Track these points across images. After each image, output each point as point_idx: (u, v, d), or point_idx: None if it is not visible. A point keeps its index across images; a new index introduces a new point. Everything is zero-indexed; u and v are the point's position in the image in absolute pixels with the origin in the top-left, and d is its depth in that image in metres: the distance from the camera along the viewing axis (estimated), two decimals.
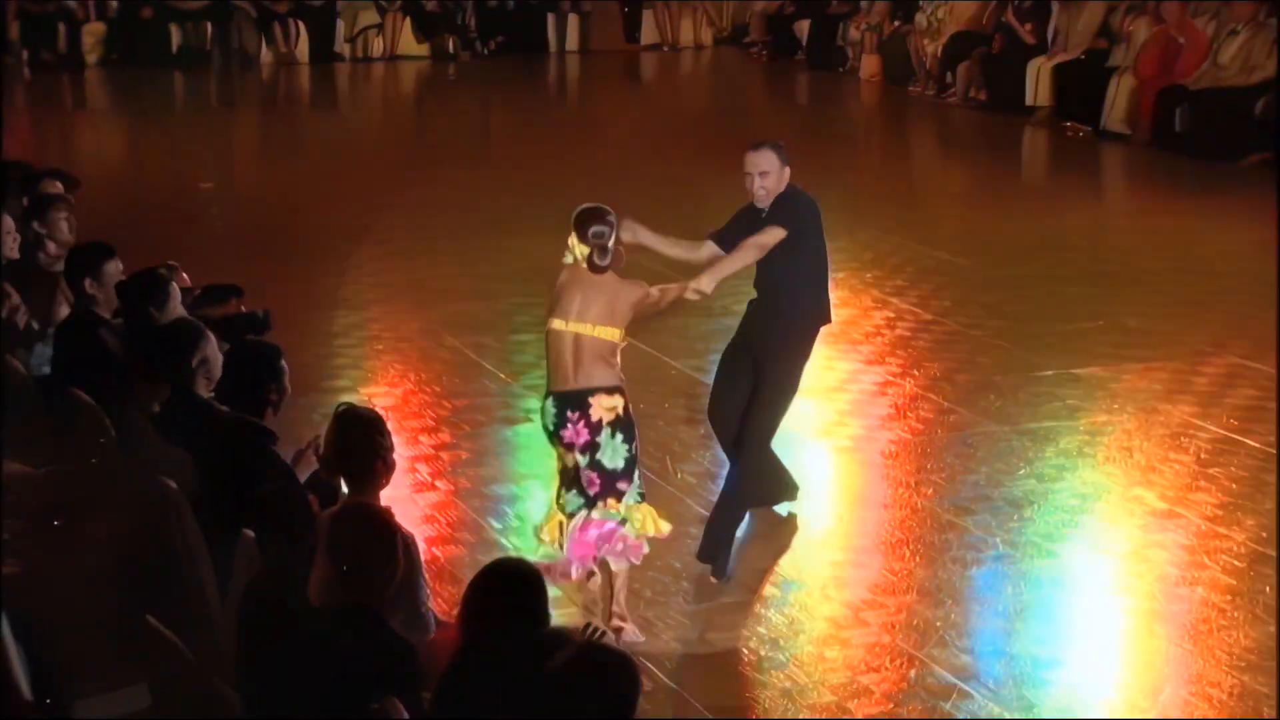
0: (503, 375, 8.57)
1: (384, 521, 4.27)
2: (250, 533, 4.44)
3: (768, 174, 6.17)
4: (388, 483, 4.68)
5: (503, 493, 7.06)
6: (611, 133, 16.31)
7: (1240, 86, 13.53)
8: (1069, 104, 15.01)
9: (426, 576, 4.80)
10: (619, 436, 5.58)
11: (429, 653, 4.19)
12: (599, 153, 14.62)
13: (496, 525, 6.70)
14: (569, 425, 5.59)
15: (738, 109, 18.20)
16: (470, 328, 9.29)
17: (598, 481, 5.62)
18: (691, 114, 17.66)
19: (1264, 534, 6.54)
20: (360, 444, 4.59)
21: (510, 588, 3.90)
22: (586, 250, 5.67)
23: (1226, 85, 13.66)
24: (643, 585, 6.01)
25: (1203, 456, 7.38)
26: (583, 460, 5.61)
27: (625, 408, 5.61)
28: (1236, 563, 6.32)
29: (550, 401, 5.67)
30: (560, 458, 5.70)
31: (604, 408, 5.58)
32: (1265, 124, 13.16)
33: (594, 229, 5.67)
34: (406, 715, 3.76)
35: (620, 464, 5.60)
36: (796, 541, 6.48)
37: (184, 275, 8.01)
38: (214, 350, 5.54)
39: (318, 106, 18.48)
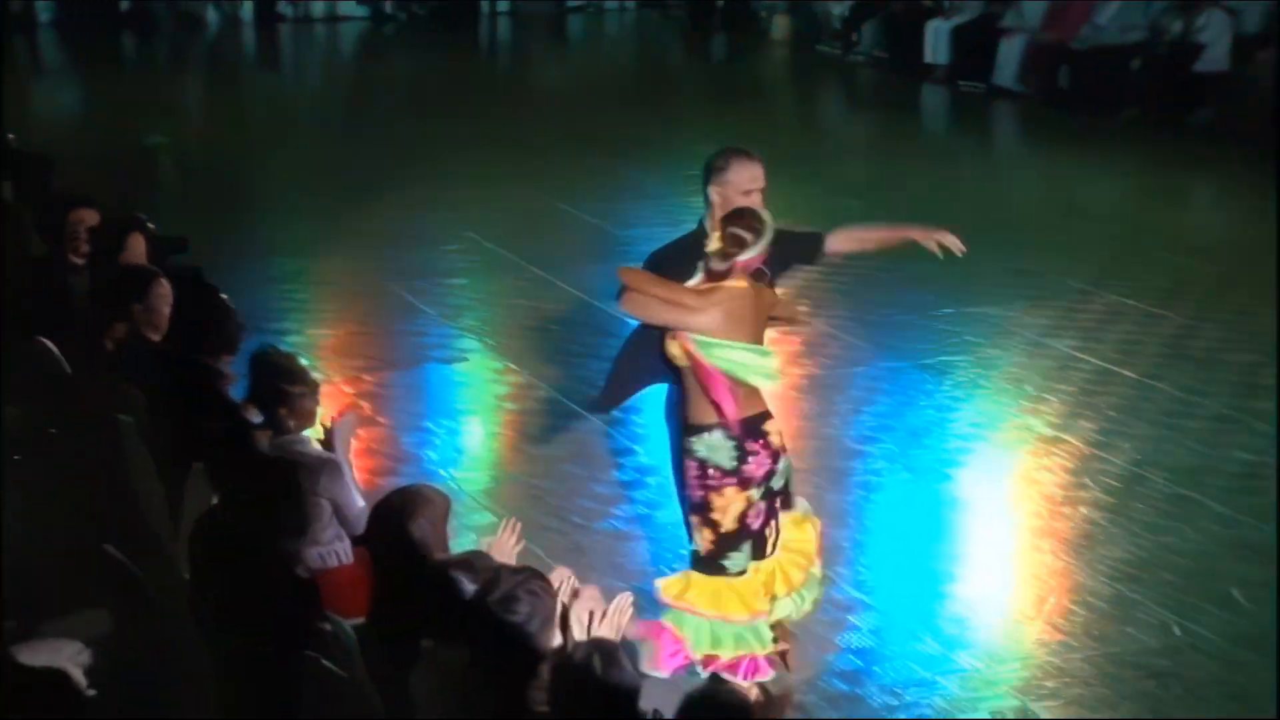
0: (439, 316, 8.49)
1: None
2: (201, 465, 4.37)
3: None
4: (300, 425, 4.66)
5: (440, 426, 7.01)
6: (542, 89, 16.15)
7: (1117, 45, 13.62)
8: (964, 62, 15.04)
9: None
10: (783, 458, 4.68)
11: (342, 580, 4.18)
12: (530, 108, 14.47)
13: (434, 457, 6.65)
14: (751, 458, 4.56)
15: (659, 67, 18.09)
16: (408, 273, 9.19)
17: (764, 511, 4.63)
18: (615, 72, 17.52)
19: (1139, 456, 6.63)
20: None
21: (407, 512, 3.84)
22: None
23: (1105, 45, 13.74)
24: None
25: (1085, 386, 7.46)
26: (756, 494, 4.58)
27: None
28: (1115, 483, 6.40)
29: (721, 434, 4.54)
30: (723, 510, 4.56)
31: (776, 431, 4.63)
32: (1139, 81, 13.26)
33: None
34: (353, 633, 3.72)
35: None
36: None
37: (150, 226, 7.86)
38: (163, 294, 5.44)
39: (263, 66, 18.14)
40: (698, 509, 4.62)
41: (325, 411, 4.98)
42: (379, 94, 15.61)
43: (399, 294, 8.87)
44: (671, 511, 6.09)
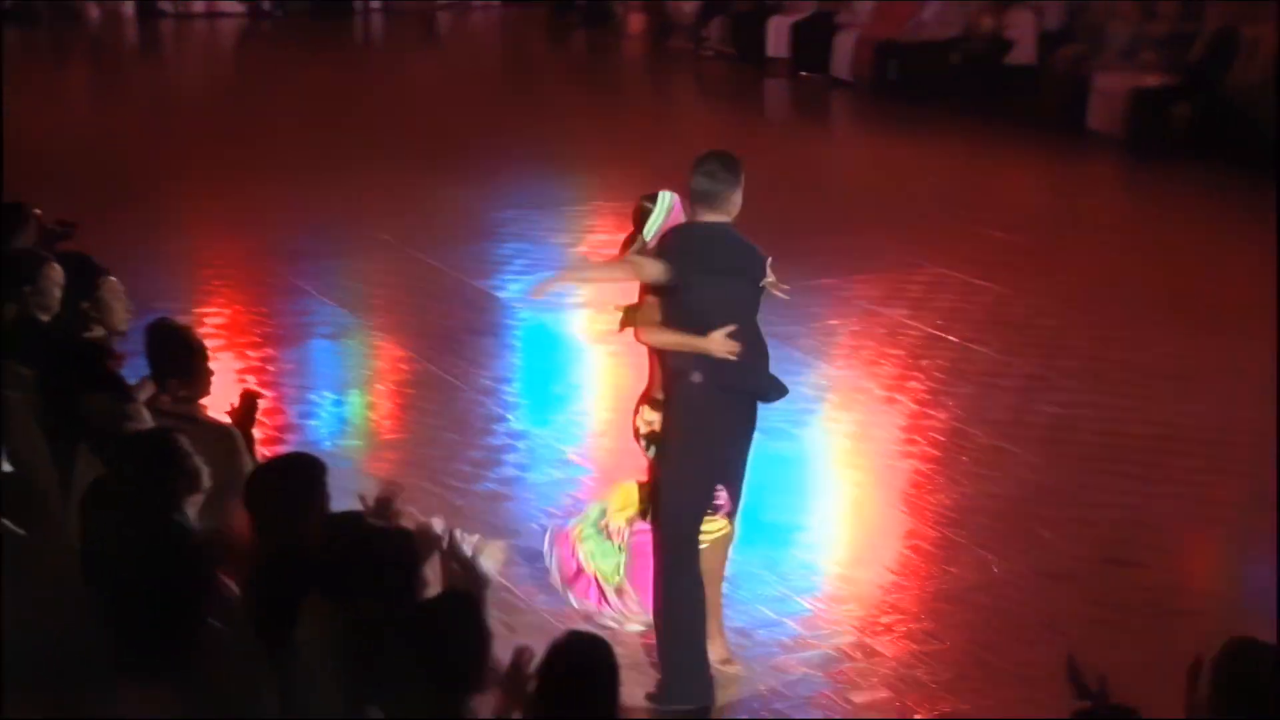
0: (322, 296, 8.34)
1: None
2: (87, 442, 4.24)
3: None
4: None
5: (323, 398, 6.90)
6: (415, 80, 15.92)
7: (938, 41, 13.88)
8: (803, 56, 15.20)
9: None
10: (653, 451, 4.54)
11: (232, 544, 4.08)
12: (404, 98, 14.26)
13: (318, 426, 6.55)
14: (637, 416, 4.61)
15: (523, 60, 17.96)
16: (291, 255, 9.02)
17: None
18: (483, 65, 17.36)
19: (961, 413, 6.79)
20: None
21: (285, 477, 3.78)
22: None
23: (927, 40, 13.99)
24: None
25: (914, 351, 7.61)
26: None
27: None
28: (941, 438, 6.54)
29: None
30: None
31: (644, 420, 4.60)
32: (958, 73, 13.55)
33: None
34: (239, 593, 3.65)
35: None
36: (579, 434, 6.49)
37: (37, 212, 7.59)
38: (53, 277, 5.26)
39: (146, 59, 17.60)
40: None
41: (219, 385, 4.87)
42: (258, 85, 15.25)
43: (284, 275, 8.70)
44: (541, 472, 6.09)
